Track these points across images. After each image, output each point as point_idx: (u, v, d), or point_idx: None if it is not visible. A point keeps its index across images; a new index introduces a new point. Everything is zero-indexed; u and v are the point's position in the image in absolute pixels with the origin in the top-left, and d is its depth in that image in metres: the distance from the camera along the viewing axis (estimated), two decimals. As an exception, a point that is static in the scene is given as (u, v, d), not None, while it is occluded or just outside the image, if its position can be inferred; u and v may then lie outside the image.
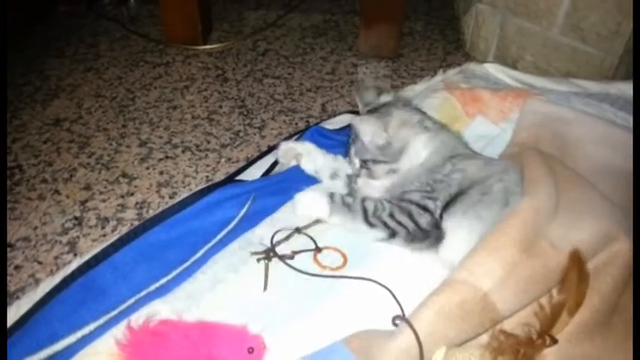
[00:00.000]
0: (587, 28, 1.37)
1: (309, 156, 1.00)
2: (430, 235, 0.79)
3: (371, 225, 0.81)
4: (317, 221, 0.93)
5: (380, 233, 0.81)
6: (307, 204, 0.87)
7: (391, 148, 0.88)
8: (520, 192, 0.77)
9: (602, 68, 1.39)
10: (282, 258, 0.84)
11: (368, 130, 0.88)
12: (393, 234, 0.80)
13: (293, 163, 1.03)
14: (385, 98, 0.99)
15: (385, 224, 0.80)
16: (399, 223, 0.80)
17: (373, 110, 0.95)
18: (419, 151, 0.88)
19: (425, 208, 0.80)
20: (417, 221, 0.79)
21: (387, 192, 0.89)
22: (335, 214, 0.84)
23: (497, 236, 0.67)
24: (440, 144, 0.88)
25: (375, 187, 0.91)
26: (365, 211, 0.82)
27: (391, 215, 0.80)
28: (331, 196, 0.85)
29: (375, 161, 0.89)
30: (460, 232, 0.77)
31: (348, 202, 0.84)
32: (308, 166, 1.01)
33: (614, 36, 1.33)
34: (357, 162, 0.92)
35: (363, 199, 0.84)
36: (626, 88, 1.23)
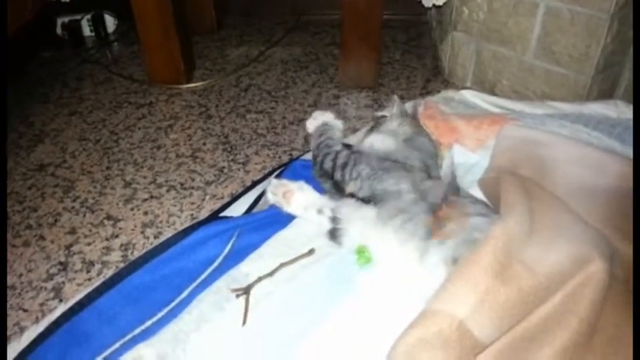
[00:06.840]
0: (559, 50, 1.41)
1: (301, 192, 0.99)
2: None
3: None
4: (302, 255, 0.94)
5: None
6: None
7: None
8: None
9: (576, 89, 1.42)
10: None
11: None
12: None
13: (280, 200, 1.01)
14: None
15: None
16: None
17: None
18: None
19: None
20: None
21: None
22: None
23: (469, 264, 0.68)
24: None
25: None
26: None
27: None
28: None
29: None
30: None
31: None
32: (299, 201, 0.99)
33: (584, 58, 1.36)
34: None
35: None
36: (599, 108, 1.26)
